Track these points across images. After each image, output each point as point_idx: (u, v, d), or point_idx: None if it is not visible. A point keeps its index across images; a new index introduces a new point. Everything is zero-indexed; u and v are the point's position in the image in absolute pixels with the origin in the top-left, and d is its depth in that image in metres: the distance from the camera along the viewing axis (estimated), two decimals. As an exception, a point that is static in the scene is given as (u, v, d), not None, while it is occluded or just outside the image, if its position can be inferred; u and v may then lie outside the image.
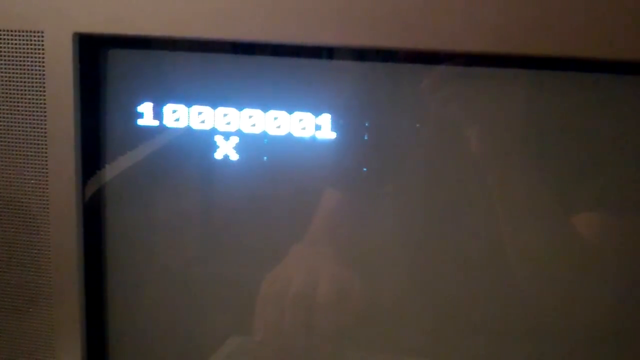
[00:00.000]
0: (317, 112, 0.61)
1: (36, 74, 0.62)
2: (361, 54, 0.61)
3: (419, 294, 0.66)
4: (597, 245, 0.62)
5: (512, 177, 0.61)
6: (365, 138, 0.63)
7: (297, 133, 0.62)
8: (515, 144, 0.61)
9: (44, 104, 0.63)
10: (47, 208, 0.65)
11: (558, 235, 0.62)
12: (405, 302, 0.66)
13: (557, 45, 0.55)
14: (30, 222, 0.65)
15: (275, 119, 0.62)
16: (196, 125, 0.63)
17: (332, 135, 0.62)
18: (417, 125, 0.62)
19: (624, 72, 0.56)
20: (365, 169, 0.64)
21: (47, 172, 0.64)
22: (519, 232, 0.62)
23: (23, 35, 0.62)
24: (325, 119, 0.61)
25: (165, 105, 0.63)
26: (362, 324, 0.67)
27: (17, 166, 0.64)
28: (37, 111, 0.63)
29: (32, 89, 0.63)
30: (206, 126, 0.63)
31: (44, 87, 0.62)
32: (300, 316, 0.67)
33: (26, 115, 0.63)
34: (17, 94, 0.63)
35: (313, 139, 0.62)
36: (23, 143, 0.64)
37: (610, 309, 0.62)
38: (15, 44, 0.62)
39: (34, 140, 0.64)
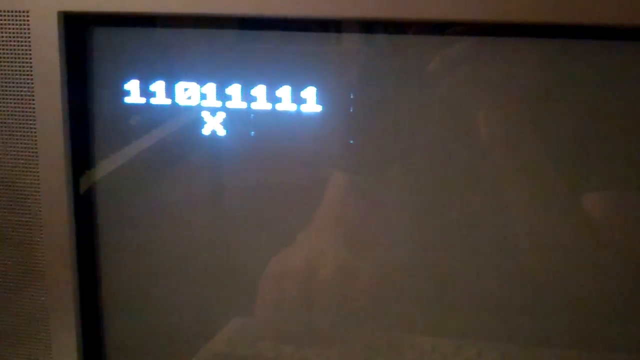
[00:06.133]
0: (301, 86, 0.61)
1: (23, 54, 0.62)
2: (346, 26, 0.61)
3: (422, 276, 0.65)
4: (605, 224, 0.61)
5: (518, 153, 0.61)
6: (351, 110, 0.63)
7: (283, 107, 0.62)
8: (515, 111, 0.60)
9: (32, 83, 0.63)
10: (38, 187, 0.65)
11: (567, 214, 0.62)
12: (408, 283, 0.66)
13: (565, 12, 0.54)
14: (21, 202, 0.66)
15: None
16: (183, 102, 0.64)
17: (318, 109, 0.62)
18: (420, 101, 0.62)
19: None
20: (351, 141, 0.64)
21: (36, 152, 0.64)
22: (526, 209, 0.62)
23: (8, 15, 0.62)
24: (310, 92, 0.62)
25: (151, 83, 0.64)
26: (364, 304, 0.67)
27: (6, 146, 0.65)
28: (25, 91, 0.63)
29: (19, 69, 0.63)
30: (193, 102, 0.63)
31: (30, 67, 0.63)
32: (302, 296, 0.68)
33: (14, 95, 0.64)
34: (4, 74, 0.63)
35: (300, 113, 0.62)
36: (12, 123, 0.64)
37: (618, 286, 0.62)
38: (1, 24, 0.62)
39: (23, 120, 0.64)
